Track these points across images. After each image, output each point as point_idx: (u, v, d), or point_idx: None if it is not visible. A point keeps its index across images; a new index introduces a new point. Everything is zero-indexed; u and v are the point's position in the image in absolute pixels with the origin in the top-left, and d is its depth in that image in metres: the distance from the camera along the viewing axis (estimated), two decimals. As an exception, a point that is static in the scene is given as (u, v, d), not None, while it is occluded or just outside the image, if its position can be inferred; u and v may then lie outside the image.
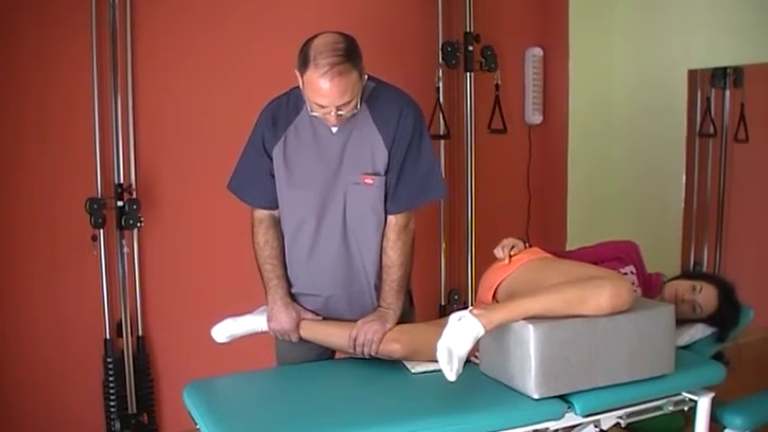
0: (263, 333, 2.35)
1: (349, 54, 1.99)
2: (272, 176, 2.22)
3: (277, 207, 2.26)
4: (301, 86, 2.06)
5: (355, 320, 2.25)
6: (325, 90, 1.99)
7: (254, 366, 2.35)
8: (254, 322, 2.34)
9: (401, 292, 2.26)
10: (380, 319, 2.22)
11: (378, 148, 2.16)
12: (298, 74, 2.05)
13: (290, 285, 2.31)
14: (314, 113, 2.09)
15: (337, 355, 2.41)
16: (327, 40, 2.00)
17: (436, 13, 3.53)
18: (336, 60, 1.96)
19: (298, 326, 2.29)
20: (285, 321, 2.27)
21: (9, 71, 2.74)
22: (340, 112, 2.05)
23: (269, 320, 2.31)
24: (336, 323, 2.30)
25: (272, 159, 2.21)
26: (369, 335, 2.20)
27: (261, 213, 2.28)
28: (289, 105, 2.22)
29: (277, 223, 2.28)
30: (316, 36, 2.03)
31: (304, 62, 2.00)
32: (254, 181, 2.25)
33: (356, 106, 2.09)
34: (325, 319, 2.32)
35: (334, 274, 2.24)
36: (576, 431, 2.18)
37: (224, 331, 2.33)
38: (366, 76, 2.11)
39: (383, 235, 2.22)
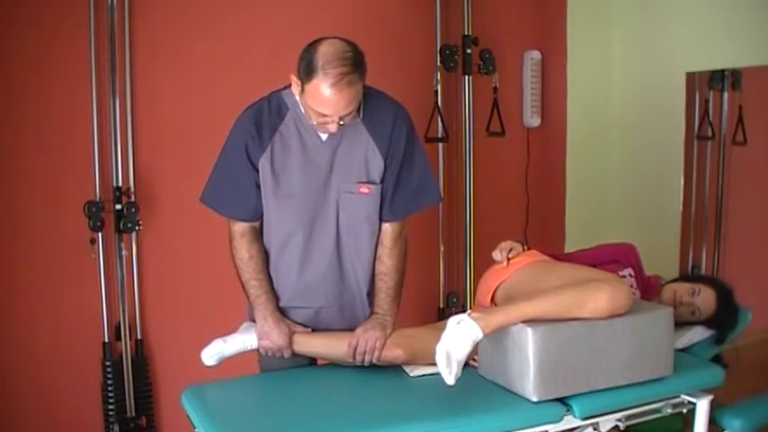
0: (252, 351, 2.26)
1: (357, 64, 1.92)
2: (257, 187, 2.11)
3: (258, 219, 2.16)
4: (300, 93, 1.99)
5: (346, 329, 2.22)
6: (332, 100, 1.91)
7: (253, 370, 2.35)
8: (243, 341, 2.23)
9: (397, 298, 2.25)
10: (380, 326, 2.19)
11: (372, 156, 2.12)
12: (298, 81, 1.96)
13: (276, 299, 2.23)
14: (312, 121, 2.01)
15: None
16: (336, 48, 1.91)
17: (434, 16, 3.52)
18: (346, 70, 1.89)
19: (291, 341, 2.21)
20: (278, 338, 2.18)
21: (7, 74, 2.74)
22: (342, 122, 1.99)
23: (260, 339, 2.21)
24: (330, 334, 2.25)
25: (257, 170, 2.10)
26: (370, 342, 2.17)
27: (242, 227, 2.17)
28: (271, 112, 2.11)
29: (259, 236, 2.19)
30: (319, 42, 1.95)
31: (309, 69, 1.91)
32: (234, 192, 2.14)
33: (356, 115, 2.04)
34: (314, 330, 2.26)
35: (327, 285, 2.19)
36: (575, 434, 2.19)
37: (213, 353, 2.20)
38: None
39: (376, 242, 2.20)
